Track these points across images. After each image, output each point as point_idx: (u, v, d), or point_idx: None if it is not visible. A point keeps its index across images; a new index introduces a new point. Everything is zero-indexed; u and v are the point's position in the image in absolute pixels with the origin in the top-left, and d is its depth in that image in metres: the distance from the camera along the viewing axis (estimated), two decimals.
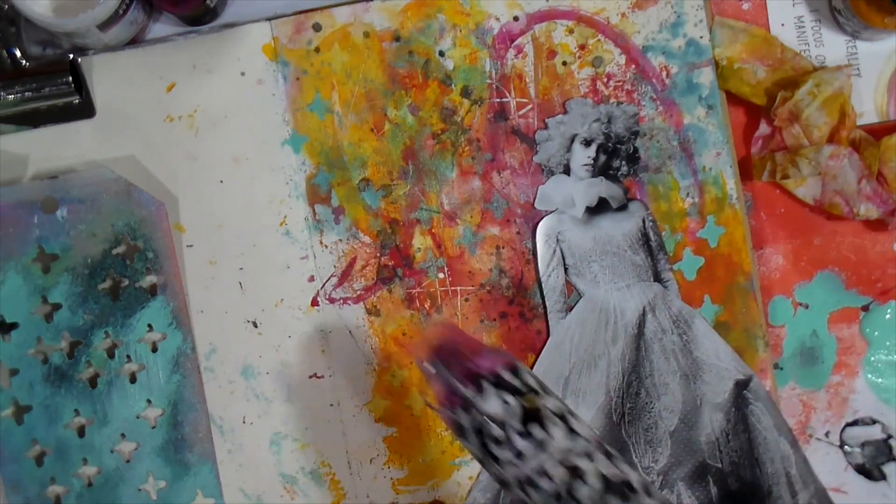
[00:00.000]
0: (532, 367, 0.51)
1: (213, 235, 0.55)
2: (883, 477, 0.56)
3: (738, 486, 0.48)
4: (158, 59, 0.55)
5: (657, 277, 0.53)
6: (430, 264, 0.56)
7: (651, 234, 0.52)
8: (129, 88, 0.55)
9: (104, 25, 0.52)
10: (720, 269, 0.56)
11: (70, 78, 0.54)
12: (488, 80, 0.56)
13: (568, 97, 0.56)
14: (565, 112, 0.54)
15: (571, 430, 0.38)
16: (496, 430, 0.38)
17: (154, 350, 0.54)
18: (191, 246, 0.55)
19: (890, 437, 0.56)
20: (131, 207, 0.54)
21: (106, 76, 0.55)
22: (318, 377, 0.56)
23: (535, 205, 0.54)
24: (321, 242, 0.56)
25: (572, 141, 0.52)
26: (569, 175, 0.53)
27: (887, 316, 0.57)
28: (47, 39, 0.56)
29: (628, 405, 0.48)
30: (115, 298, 0.54)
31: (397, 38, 0.56)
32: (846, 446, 0.57)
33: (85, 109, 0.55)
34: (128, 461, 0.54)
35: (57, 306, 0.54)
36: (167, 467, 0.54)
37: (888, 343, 0.57)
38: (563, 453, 0.37)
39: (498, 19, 0.56)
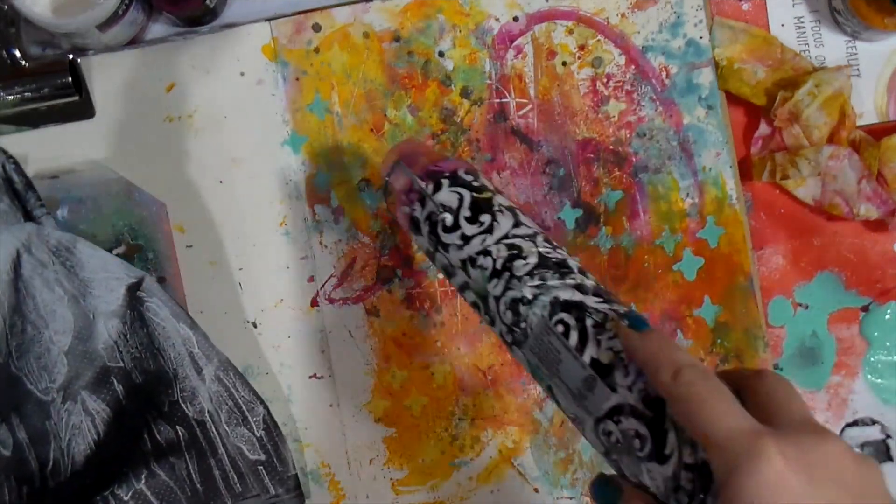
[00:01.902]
0: None
1: (213, 235, 0.55)
2: None
3: (144, 378, 0.49)
4: (158, 59, 0.55)
5: (29, 217, 0.51)
6: (430, 264, 0.56)
7: (15, 177, 0.51)
8: (128, 88, 0.55)
9: (104, 26, 0.52)
10: (720, 269, 0.56)
11: (70, 78, 0.54)
12: (488, 81, 0.56)
13: (567, 98, 0.56)
14: None
15: (518, 223, 0.40)
16: (448, 218, 0.41)
17: None
18: (190, 246, 0.55)
19: (888, 437, 0.56)
20: (132, 208, 0.54)
21: (106, 76, 0.55)
22: (318, 377, 0.56)
23: None
24: (321, 243, 0.56)
25: None
26: None
27: (887, 316, 0.57)
28: (47, 39, 0.56)
29: (14, 343, 0.48)
30: None
31: (397, 39, 0.56)
32: None
33: (85, 109, 0.55)
34: None
35: None
36: None
37: (888, 343, 0.57)
38: (508, 237, 0.40)
39: (498, 20, 0.56)
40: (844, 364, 0.57)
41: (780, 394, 0.31)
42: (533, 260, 0.38)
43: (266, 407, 0.52)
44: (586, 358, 0.34)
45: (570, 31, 0.56)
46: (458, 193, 0.41)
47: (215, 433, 0.49)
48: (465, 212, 0.41)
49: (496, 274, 0.39)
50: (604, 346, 0.34)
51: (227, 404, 0.51)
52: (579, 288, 0.37)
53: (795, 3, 0.57)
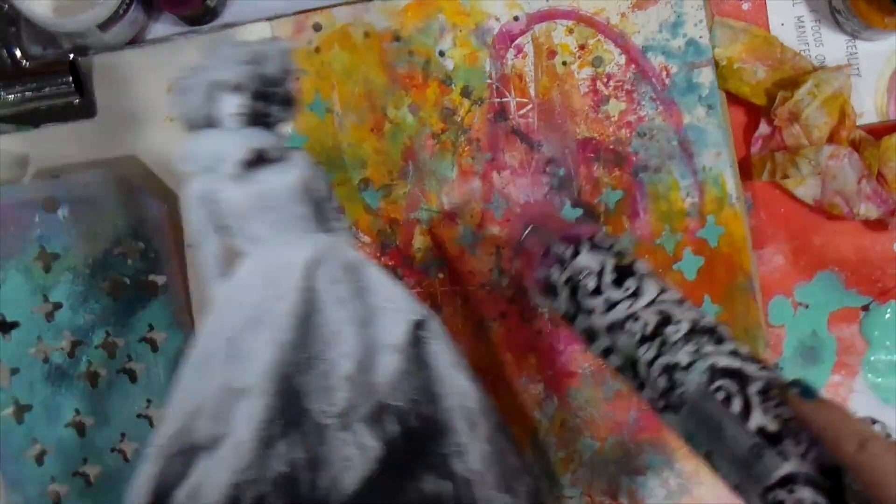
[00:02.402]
0: (197, 338, 0.46)
1: None
2: None
3: (419, 422, 0.47)
4: (158, 59, 0.55)
5: (324, 228, 0.48)
6: (430, 264, 0.56)
7: (314, 184, 0.48)
8: (129, 88, 0.55)
9: (104, 25, 0.52)
10: (720, 269, 0.56)
11: (70, 78, 0.54)
12: (488, 80, 0.56)
13: (567, 97, 0.56)
14: (207, 56, 0.46)
15: (664, 289, 0.41)
16: (592, 282, 0.41)
17: (155, 350, 0.54)
18: (191, 246, 0.55)
19: (888, 436, 0.56)
20: (132, 207, 0.54)
21: (106, 76, 0.55)
22: None
23: (180, 165, 0.45)
24: None
25: (217, 88, 0.43)
26: (215, 127, 0.44)
27: (887, 316, 0.57)
28: (47, 39, 0.56)
29: (302, 356, 0.46)
30: (117, 298, 0.54)
31: (397, 38, 0.56)
32: None
33: (85, 109, 0.55)
34: (128, 461, 0.54)
35: (58, 305, 0.54)
36: None
37: (888, 343, 0.57)
38: (656, 302, 0.40)
39: (498, 19, 0.56)
40: (844, 364, 0.57)
41: None
42: (685, 326, 0.38)
43: (535, 478, 0.50)
44: (752, 426, 0.34)
45: (571, 31, 0.56)
46: (600, 258, 0.42)
47: (481, 495, 0.47)
48: (609, 276, 0.41)
49: (647, 339, 0.39)
50: (771, 414, 0.34)
51: (495, 467, 0.48)
52: (736, 354, 0.37)
53: (795, 2, 0.57)
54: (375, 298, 0.47)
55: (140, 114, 0.55)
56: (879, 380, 0.57)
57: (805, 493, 0.32)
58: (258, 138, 0.44)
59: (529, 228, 0.46)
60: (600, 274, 0.41)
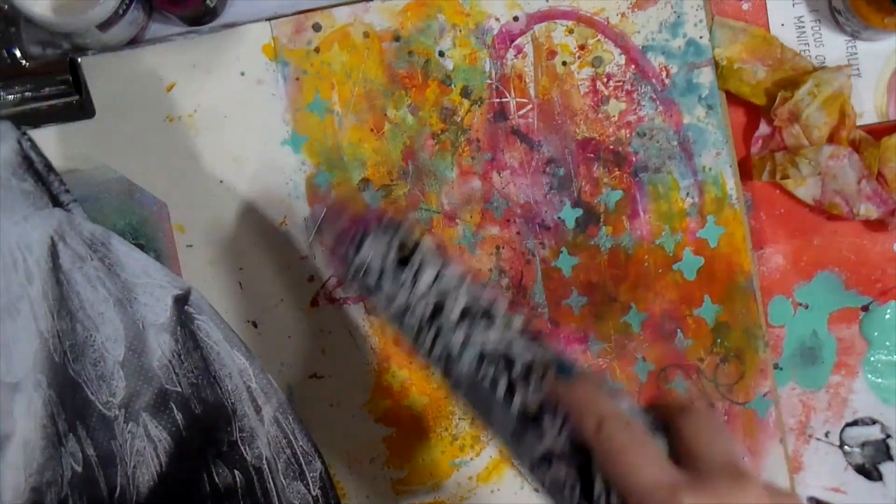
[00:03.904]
0: None
1: (213, 235, 0.55)
2: (881, 477, 0.56)
3: (203, 409, 0.44)
4: (158, 59, 0.55)
5: (56, 202, 0.46)
6: None
7: (33, 155, 0.45)
8: (129, 88, 0.55)
9: (104, 25, 0.52)
10: (720, 269, 0.56)
11: (70, 78, 0.54)
12: (488, 80, 0.56)
13: (567, 97, 0.56)
14: None
15: (444, 263, 0.39)
16: (373, 276, 0.40)
17: None
18: (190, 246, 0.55)
19: (888, 436, 0.56)
20: (133, 207, 0.54)
21: (106, 76, 0.55)
22: (318, 377, 0.56)
23: None
24: (321, 242, 0.56)
25: None
26: None
27: (887, 316, 0.57)
28: (47, 39, 0.56)
29: (67, 343, 0.43)
30: None
31: (397, 38, 0.56)
32: (846, 446, 0.57)
33: (85, 109, 0.55)
34: None
35: None
36: None
37: (888, 343, 0.57)
38: (436, 282, 0.39)
39: (498, 19, 0.56)
40: (844, 364, 0.57)
41: (704, 434, 0.32)
42: (458, 310, 0.38)
43: (324, 462, 0.48)
44: (515, 407, 0.34)
45: (570, 31, 0.56)
46: (382, 247, 0.40)
47: (272, 484, 0.45)
48: (391, 265, 0.40)
49: (424, 327, 0.38)
50: (531, 393, 0.34)
51: (285, 453, 0.46)
52: (507, 329, 0.37)
53: (795, 2, 0.57)
54: (128, 274, 0.44)
55: (140, 114, 0.55)
56: (879, 380, 0.57)
57: (560, 469, 0.32)
58: None
59: (321, 221, 0.43)
60: (383, 264, 0.40)
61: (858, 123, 0.55)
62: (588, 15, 0.56)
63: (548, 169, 0.56)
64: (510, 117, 0.56)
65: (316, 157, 0.56)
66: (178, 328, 0.44)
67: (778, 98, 0.54)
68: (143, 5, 0.55)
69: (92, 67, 0.55)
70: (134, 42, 0.57)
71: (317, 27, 0.56)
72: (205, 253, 0.55)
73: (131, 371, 0.43)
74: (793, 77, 0.55)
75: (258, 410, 0.45)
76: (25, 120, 0.55)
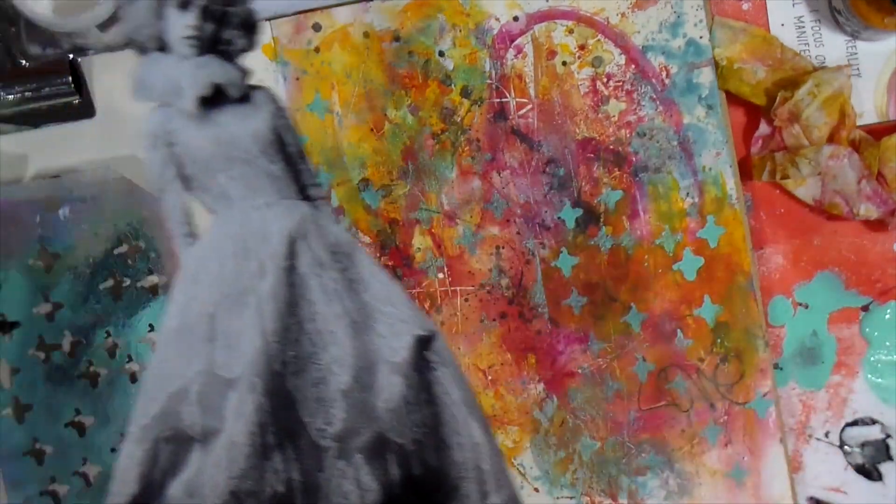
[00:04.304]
0: (171, 304, 0.40)
1: None
2: (881, 477, 0.56)
3: (423, 472, 0.39)
4: None
5: (303, 194, 0.41)
6: (429, 264, 0.56)
7: (286, 135, 0.40)
8: (129, 88, 0.55)
9: (104, 25, 0.52)
10: (720, 269, 0.56)
11: (70, 78, 0.54)
12: (488, 80, 0.56)
13: (567, 97, 0.56)
14: None
15: None
16: None
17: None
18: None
19: (888, 436, 0.56)
20: (134, 207, 0.55)
21: (106, 76, 0.55)
22: None
23: (133, 95, 0.40)
24: None
25: (162, 3, 0.37)
26: (166, 52, 0.38)
27: (887, 316, 0.57)
28: (47, 39, 0.56)
29: (290, 353, 0.38)
30: (117, 298, 0.54)
31: (397, 38, 0.56)
32: (846, 446, 0.57)
33: (85, 109, 0.55)
34: None
35: (58, 305, 0.54)
36: None
37: (888, 343, 0.57)
38: None
39: (498, 19, 0.56)
40: (844, 364, 0.57)
41: None
42: None
43: None
44: None
45: (570, 31, 0.56)
46: None
47: None
48: None
49: None
50: None
51: None
52: None
53: (795, 2, 0.57)
54: (370, 297, 0.40)
55: (139, 114, 0.55)
56: (879, 380, 0.57)
57: None
58: (216, 70, 0.38)
59: None
60: None
61: (858, 123, 0.55)
62: (588, 15, 0.56)
63: (548, 169, 0.56)
64: (510, 117, 0.56)
65: (316, 157, 0.56)
66: (414, 374, 0.39)
67: (778, 98, 0.54)
68: None
69: (92, 67, 0.55)
70: None
71: (317, 27, 0.56)
72: None
73: (353, 404, 0.38)
74: (793, 77, 0.55)
75: (484, 497, 0.40)
76: (26, 120, 0.55)
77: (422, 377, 0.39)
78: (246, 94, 0.39)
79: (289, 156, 0.40)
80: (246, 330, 0.38)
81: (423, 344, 0.39)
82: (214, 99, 0.37)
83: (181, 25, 0.37)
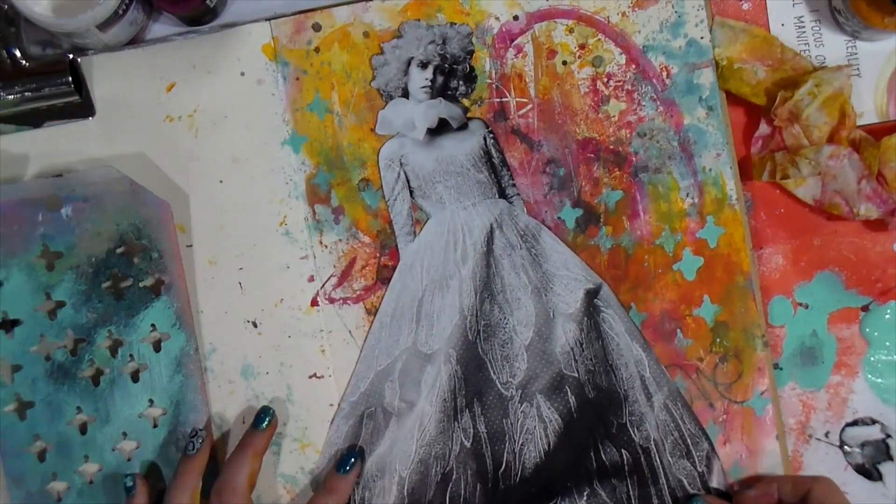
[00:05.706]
0: (383, 296, 0.54)
1: (213, 235, 0.56)
2: (881, 477, 0.56)
3: (596, 394, 0.50)
4: (158, 59, 0.55)
5: (502, 194, 0.54)
6: None
7: (493, 151, 0.53)
8: (129, 88, 0.56)
9: (104, 25, 0.52)
10: (720, 269, 0.56)
11: (70, 78, 0.54)
12: (488, 80, 0.56)
13: (567, 97, 0.56)
14: (400, 36, 0.55)
15: None
16: None
17: (157, 350, 0.55)
18: (190, 246, 0.56)
19: (888, 436, 0.56)
20: (136, 207, 0.55)
21: (106, 76, 0.55)
22: (318, 377, 0.56)
23: (377, 129, 0.55)
24: (321, 242, 0.56)
25: (409, 64, 0.54)
26: (408, 98, 0.54)
27: (887, 316, 0.57)
28: (47, 39, 0.56)
29: (483, 322, 0.50)
30: (119, 297, 0.55)
31: (397, 38, 0.56)
32: (846, 446, 0.57)
33: (85, 109, 0.55)
34: (129, 460, 0.54)
35: (61, 304, 0.55)
36: (167, 467, 0.55)
37: (888, 343, 0.57)
38: None
39: (498, 19, 0.56)
40: (844, 364, 0.57)
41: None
42: None
43: (710, 443, 0.52)
44: None
45: (571, 30, 0.56)
46: None
47: (658, 462, 0.50)
48: None
49: None
50: None
51: (672, 435, 0.51)
52: None
53: (795, 2, 0.57)
54: (550, 265, 0.52)
55: (140, 114, 0.56)
56: (879, 380, 0.57)
57: None
58: (442, 108, 0.53)
59: None
60: None
61: (858, 123, 0.55)
62: (588, 14, 0.56)
63: (548, 169, 0.56)
64: (510, 117, 0.56)
65: (316, 157, 0.56)
66: (585, 318, 0.51)
67: (778, 98, 0.54)
68: (143, 5, 0.55)
69: (92, 67, 0.55)
70: (134, 42, 0.57)
71: (317, 27, 0.56)
72: (205, 253, 0.56)
73: (534, 354, 0.49)
74: (793, 77, 0.55)
75: (649, 397, 0.51)
76: (26, 119, 0.55)
77: (591, 320, 0.51)
78: (464, 124, 0.54)
79: (493, 165, 0.53)
80: (446, 308, 0.50)
81: (593, 294, 0.51)
82: (439, 129, 0.53)
83: (420, 79, 0.54)
